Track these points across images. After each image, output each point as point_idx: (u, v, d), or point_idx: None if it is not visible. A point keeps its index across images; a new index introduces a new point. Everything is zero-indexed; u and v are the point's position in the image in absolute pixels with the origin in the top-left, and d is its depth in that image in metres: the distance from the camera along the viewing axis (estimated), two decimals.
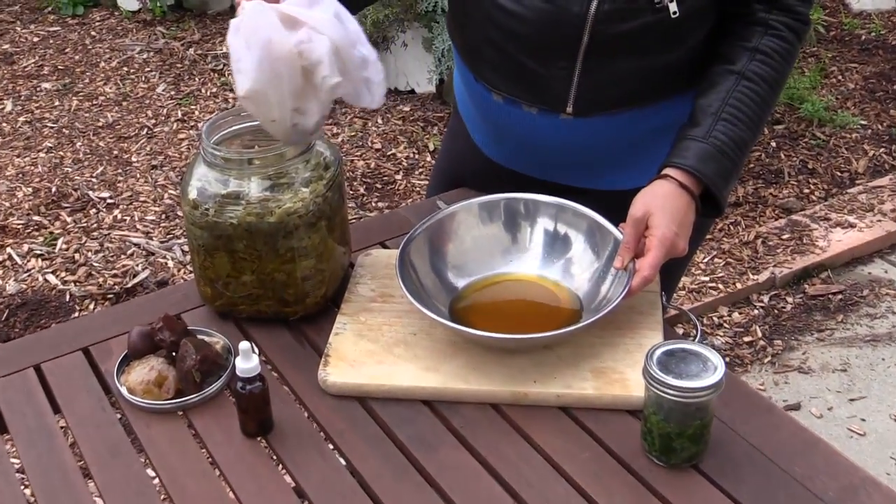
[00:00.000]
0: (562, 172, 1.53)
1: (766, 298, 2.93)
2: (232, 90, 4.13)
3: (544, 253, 1.41)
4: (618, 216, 1.34)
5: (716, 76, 1.37)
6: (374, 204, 3.42)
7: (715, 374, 1.11)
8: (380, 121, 3.94)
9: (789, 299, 2.93)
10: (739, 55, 1.36)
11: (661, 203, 1.29)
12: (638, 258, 1.28)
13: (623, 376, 1.24)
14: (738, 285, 2.95)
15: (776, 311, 2.89)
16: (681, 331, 2.75)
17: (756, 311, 2.89)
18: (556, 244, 1.41)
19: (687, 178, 1.31)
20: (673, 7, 1.32)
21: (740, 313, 2.88)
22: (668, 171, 1.32)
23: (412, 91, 4.11)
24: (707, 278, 2.98)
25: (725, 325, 2.84)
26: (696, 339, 1.21)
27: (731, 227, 3.21)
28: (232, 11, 4.96)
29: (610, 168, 1.51)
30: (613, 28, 1.33)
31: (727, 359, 2.71)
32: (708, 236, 3.15)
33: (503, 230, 1.43)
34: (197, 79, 4.29)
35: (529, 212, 1.42)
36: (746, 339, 2.78)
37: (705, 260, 3.06)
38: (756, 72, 1.35)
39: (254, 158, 1.29)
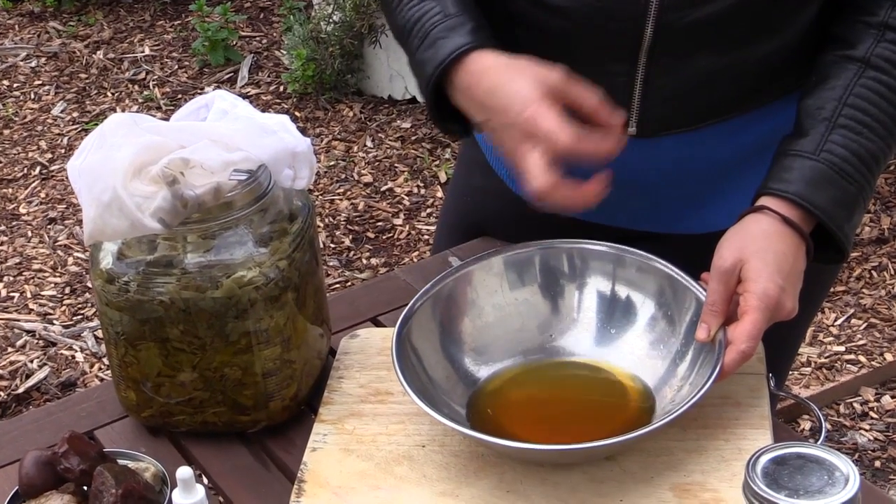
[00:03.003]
0: (621, 213, 1.57)
1: None
2: (158, 108, 4.20)
3: (598, 325, 1.45)
4: (699, 268, 1.37)
5: (829, 67, 1.40)
6: (364, 261, 3.47)
7: (846, 490, 1.12)
8: (369, 143, 3.99)
9: None
10: (862, 35, 1.40)
11: (759, 246, 1.32)
12: (729, 325, 1.31)
13: (717, 495, 1.26)
14: (889, 356, 2.95)
15: None
16: (807, 426, 2.76)
17: None
18: (615, 312, 1.44)
19: (792, 210, 1.34)
20: None
21: (894, 397, 2.89)
22: (764, 200, 1.36)
23: (413, 100, 4.16)
24: (842, 348, 2.98)
25: (873, 414, 2.84)
26: (820, 440, 1.23)
27: (875, 274, 3.22)
28: None
29: (688, 205, 1.55)
30: (687, 15, 1.37)
31: (877, 464, 2.71)
32: (840, 287, 3.16)
33: (540, 295, 1.46)
34: (109, 93, 4.37)
35: (576, 267, 1.46)
36: None
37: (838, 322, 3.07)
38: (887, 56, 1.38)
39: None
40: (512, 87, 1.33)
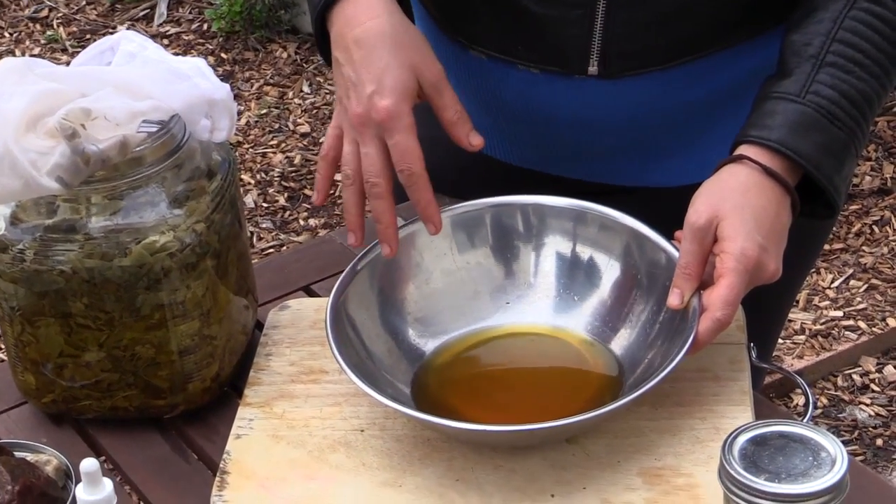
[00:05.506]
0: (583, 165, 1.58)
1: None
2: (63, 50, 4.17)
3: (558, 290, 1.45)
4: (671, 227, 1.38)
5: None
6: (301, 222, 3.46)
7: (833, 472, 1.13)
8: (306, 88, 3.98)
9: None
10: None
11: (736, 201, 1.32)
12: (705, 289, 1.32)
13: (691, 480, 1.27)
14: (892, 322, 2.97)
15: None
16: (801, 401, 2.78)
17: None
18: (577, 275, 1.45)
19: (774, 160, 1.34)
20: None
21: None
22: (743, 149, 1.36)
23: None
24: (839, 313, 3.00)
25: (874, 386, 2.86)
26: (807, 417, 1.24)
27: (876, 229, 3.23)
28: None
29: (657, 154, 1.56)
30: None
31: (879, 442, 2.73)
32: (838, 244, 3.18)
33: (492, 258, 1.47)
34: (7, 34, 4.33)
35: (532, 226, 1.47)
36: None
37: (835, 284, 3.08)
38: None
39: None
40: (382, 60, 1.35)
